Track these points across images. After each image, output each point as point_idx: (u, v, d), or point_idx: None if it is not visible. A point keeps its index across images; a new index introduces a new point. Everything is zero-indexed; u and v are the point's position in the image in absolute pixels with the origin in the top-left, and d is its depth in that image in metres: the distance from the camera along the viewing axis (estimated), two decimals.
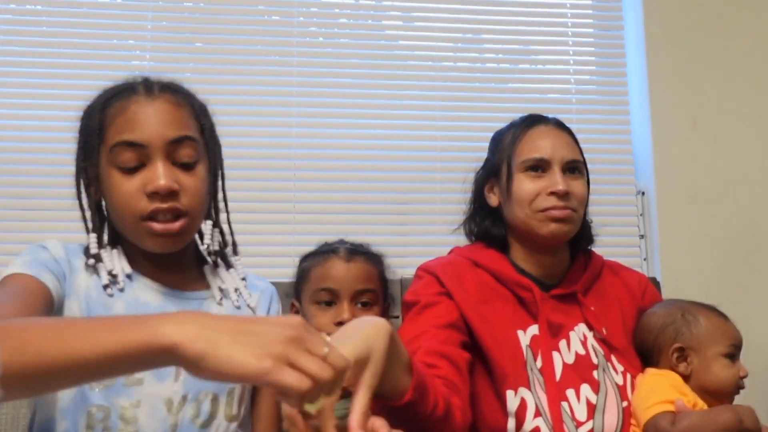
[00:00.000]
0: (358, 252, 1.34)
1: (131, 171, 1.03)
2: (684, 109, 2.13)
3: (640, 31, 2.17)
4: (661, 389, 1.20)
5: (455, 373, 1.13)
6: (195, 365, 0.68)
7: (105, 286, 1.04)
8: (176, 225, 1.03)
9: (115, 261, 1.07)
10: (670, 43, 2.16)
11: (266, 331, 0.69)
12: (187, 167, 1.05)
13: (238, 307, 1.12)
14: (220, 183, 1.15)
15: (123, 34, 2.03)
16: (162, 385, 1.03)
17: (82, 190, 1.10)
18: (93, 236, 1.08)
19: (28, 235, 1.89)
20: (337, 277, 1.30)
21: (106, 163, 1.04)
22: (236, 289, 1.14)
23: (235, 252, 1.19)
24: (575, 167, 1.30)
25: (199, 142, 1.08)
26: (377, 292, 1.33)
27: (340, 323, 1.23)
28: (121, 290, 1.04)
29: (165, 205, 1.02)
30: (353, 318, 1.12)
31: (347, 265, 1.31)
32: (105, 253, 1.08)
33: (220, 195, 1.16)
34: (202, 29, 2.06)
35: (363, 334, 0.80)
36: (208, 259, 1.16)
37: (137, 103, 1.04)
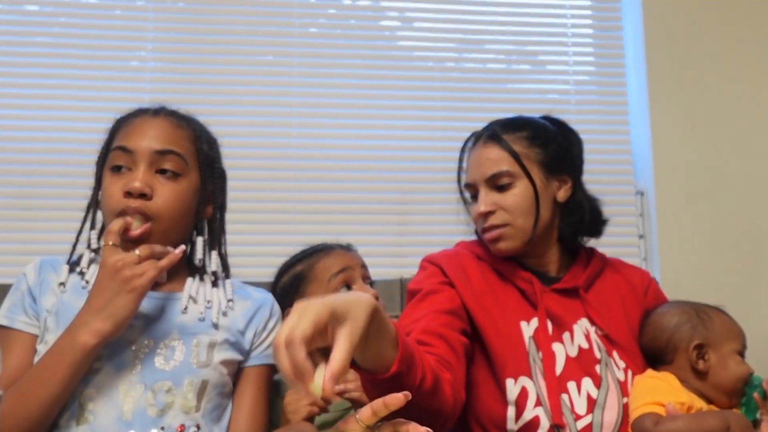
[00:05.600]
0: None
1: (118, 172, 1.16)
2: (683, 109, 2.14)
3: (639, 30, 2.18)
4: (653, 391, 1.20)
5: (450, 353, 1.14)
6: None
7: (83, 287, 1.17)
8: (137, 232, 1.12)
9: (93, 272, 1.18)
10: (669, 43, 2.16)
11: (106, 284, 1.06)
12: (168, 177, 1.17)
13: (202, 319, 1.18)
14: (218, 212, 1.27)
15: (124, 35, 2.04)
16: (118, 374, 1.09)
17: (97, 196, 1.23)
18: (94, 234, 1.22)
19: (28, 235, 1.90)
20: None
21: (106, 168, 1.19)
22: (208, 301, 1.20)
23: (227, 275, 1.28)
24: (500, 180, 1.28)
25: (186, 161, 1.19)
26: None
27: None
28: None
29: (134, 204, 1.13)
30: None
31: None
32: (92, 263, 1.20)
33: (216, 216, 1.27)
34: (203, 30, 2.07)
35: (342, 297, 0.83)
36: (208, 272, 1.24)
37: (142, 118, 1.21)
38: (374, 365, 0.90)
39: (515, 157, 1.28)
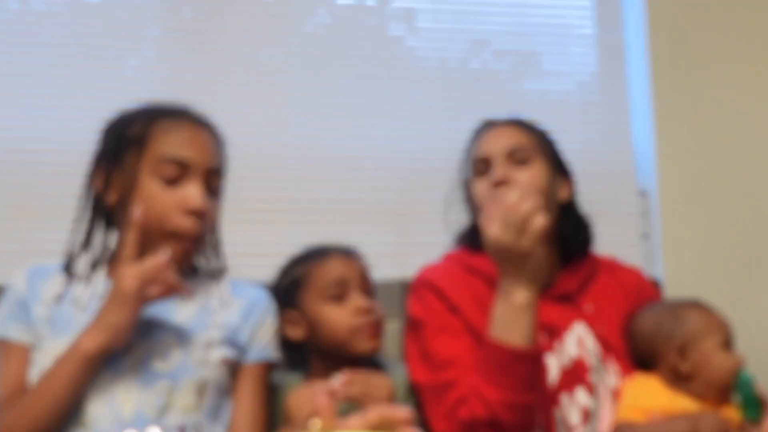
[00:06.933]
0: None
1: (170, 184, 1.14)
2: (686, 109, 2.12)
3: (642, 29, 2.16)
4: (633, 396, 1.19)
5: None
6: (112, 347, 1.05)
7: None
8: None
9: (89, 287, 1.17)
10: (672, 42, 2.15)
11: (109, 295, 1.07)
12: (213, 195, 1.19)
13: (201, 318, 1.19)
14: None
15: (123, 34, 2.03)
16: (117, 376, 1.09)
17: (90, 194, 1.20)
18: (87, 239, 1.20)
19: (26, 235, 1.89)
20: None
21: (146, 172, 1.14)
22: (206, 300, 1.21)
23: (224, 273, 1.29)
24: (520, 154, 1.27)
25: (224, 177, 1.23)
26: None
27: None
28: (84, 309, 1.14)
29: (197, 227, 1.14)
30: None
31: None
32: (85, 274, 1.19)
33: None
34: (202, 29, 2.06)
35: None
36: (209, 270, 1.27)
37: (189, 126, 1.18)
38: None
39: (533, 141, 1.30)
